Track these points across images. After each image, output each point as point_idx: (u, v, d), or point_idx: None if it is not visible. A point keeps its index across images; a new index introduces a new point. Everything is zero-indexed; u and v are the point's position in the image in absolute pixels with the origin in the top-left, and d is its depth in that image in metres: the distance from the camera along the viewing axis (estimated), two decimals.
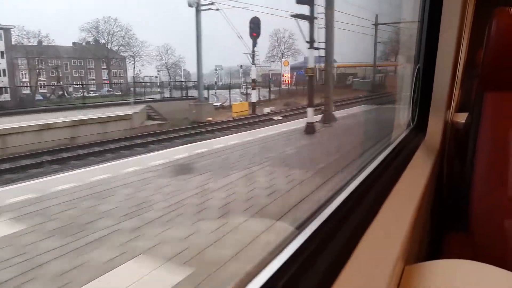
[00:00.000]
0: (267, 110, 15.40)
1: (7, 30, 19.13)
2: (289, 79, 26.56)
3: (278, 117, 13.13)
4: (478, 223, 1.15)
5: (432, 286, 0.69)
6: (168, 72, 29.39)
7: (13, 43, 20.32)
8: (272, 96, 21.78)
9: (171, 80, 27.41)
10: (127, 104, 14.18)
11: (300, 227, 0.64)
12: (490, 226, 1.13)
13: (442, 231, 1.32)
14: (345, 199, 0.78)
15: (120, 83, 24.76)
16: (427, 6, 1.53)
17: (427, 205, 1.24)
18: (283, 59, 29.97)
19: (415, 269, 0.73)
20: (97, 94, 22.10)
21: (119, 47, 26.30)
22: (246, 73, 29.96)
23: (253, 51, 14.01)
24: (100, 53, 24.66)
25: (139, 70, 27.69)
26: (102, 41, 25.11)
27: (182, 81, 25.66)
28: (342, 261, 0.56)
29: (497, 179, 1.13)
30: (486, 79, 1.23)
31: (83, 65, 24.33)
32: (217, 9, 14.65)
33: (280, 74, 27.79)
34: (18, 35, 21.54)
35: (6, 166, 6.75)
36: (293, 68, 29.73)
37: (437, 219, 1.52)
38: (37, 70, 22.02)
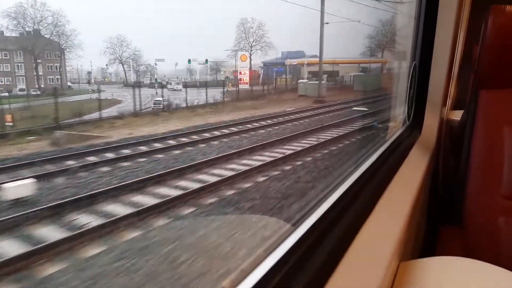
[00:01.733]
0: None
1: None
2: (248, 78, 21.66)
3: None
4: (472, 220, 1.16)
5: (427, 282, 0.69)
6: (123, 67, 25.14)
7: None
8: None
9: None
10: None
11: (296, 224, 0.64)
12: (484, 223, 1.13)
13: (437, 228, 1.33)
14: (340, 195, 0.78)
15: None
16: (424, 2, 1.52)
17: (423, 201, 1.24)
18: (240, 53, 25.04)
19: (409, 266, 0.74)
20: (5, 94, 16.24)
21: (49, 36, 21.19)
22: (213, 68, 26.35)
23: None
24: (26, 44, 20.15)
25: (106, 65, 24.35)
26: (28, 29, 20.04)
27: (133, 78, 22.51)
28: (337, 258, 0.56)
29: (491, 176, 1.14)
30: (481, 77, 1.23)
31: (8, 58, 20.11)
32: None
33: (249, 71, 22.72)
34: None
35: None
36: (264, 65, 26.47)
37: (432, 215, 1.52)
38: None
